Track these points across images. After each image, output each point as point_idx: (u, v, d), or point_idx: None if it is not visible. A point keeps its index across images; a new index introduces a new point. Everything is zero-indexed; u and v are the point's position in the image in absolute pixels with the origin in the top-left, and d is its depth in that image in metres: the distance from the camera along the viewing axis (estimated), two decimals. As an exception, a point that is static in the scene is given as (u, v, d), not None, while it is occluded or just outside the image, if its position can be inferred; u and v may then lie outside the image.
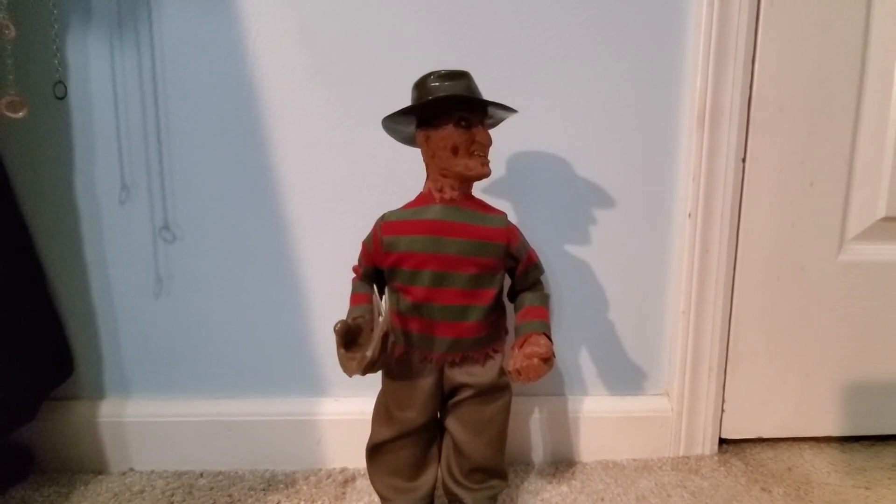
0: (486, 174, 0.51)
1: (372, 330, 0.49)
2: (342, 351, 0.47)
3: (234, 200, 0.65)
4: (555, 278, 0.67)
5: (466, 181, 0.52)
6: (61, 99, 0.61)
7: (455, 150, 0.49)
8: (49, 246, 0.65)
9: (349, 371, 0.47)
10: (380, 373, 0.55)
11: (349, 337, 0.48)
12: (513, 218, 0.53)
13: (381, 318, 0.46)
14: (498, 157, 0.64)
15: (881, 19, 0.65)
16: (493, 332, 0.54)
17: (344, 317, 0.50)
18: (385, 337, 0.46)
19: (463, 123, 0.49)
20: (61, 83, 0.60)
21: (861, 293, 0.69)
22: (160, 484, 0.64)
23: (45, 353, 0.64)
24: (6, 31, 0.53)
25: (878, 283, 0.69)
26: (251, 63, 0.63)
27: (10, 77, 0.55)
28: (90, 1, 0.61)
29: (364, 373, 0.47)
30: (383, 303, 0.48)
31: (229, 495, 0.62)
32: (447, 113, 0.49)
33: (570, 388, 0.71)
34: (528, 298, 0.54)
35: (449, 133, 0.49)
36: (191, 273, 0.66)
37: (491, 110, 0.52)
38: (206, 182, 0.65)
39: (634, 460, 0.70)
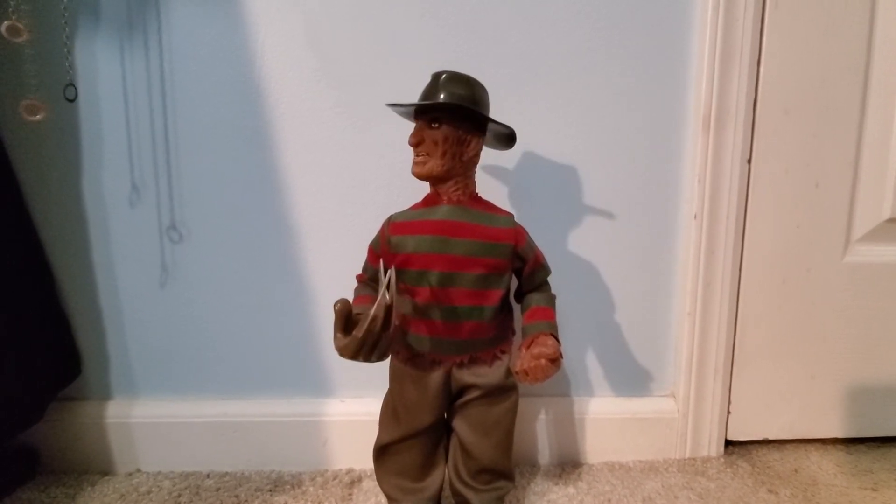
0: (413, 173, 0.51)
1: (373, 317, 0.47)
2: (339, 335, 0.46)
3: (241, 202, 0.65)
4: (561, 279, 0.67)
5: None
6: (72, 101, 0.61)
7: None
8: (57, 246, 0.65)
9: (342, 352, 0.46)
10: (387, 374, 0.56)
11: (348, 319, 0.46)
12: (519, 219, 0.53)
13: (379, 298, 0.44)
14: (504, 159, 0.64)
15: (885, 21, 0.65)
16: (500, 333, 0.55)
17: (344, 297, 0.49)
18: (374, 319, 0.44)
19: (418, 122, 0.51)
20: (72, 86, 0.60)
21: (867, 294, 0.69)
22: (167, 485, 0.64)
23: (52, 353, 0.64)
24: (19, 34, 0.53)
25: (884, 285, 0.69)
26: (258, 66, 0.63)
27: (32, 81, 0.56)
28: (100, 5, 0.61)
29: (355, 355, 0.45)
30: (390, 274, 0.46)
31: (236, 496, 0.62)
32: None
33: (576, 389, 0.71)
34: (534, 299, 0.55)
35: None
36: (198, 275, 0.67)
37: (490, 124, 0.52)
38: (214, 184, 0.65)
39: (640, 462, 0.69)
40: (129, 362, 0.68)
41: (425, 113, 0.50)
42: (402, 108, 0.52)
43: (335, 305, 0.45)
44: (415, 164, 0.51)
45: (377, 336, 0.45)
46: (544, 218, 0.67)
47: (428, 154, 0.50)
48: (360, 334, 0.44)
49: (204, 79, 0.63)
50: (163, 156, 0.64)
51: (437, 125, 0.49)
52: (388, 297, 0.45)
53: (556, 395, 0.70)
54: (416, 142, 0.50)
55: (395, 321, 0.46)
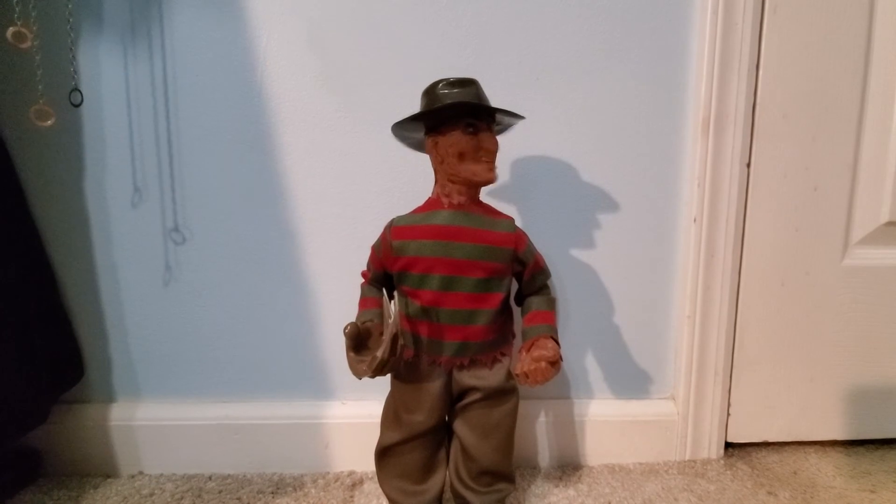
0: (493, 180, 0.51)
1: (381, 333, 0.50)
2: (351, 354, 0.48)
3: (243, 205, 0.66)
4: (561, 283, 0.68)
5: (474, 186, 0.52)
6: (77, 106, 0.61)
7: (462, 156, 0.50)
8: (59, 249, 0.66)
9: (359, 373, 0.48)
10: (388, 376, 0.56)
11: (358, 340, 0.49)
12: (519, 223, 0.54)
13: (390, 320, 0.47)
14: (504, 162, 0.65)
15: (884, 26, 0.65)
16: (500, 336, 0.55)
17: (352, 320, 0.51)
18: (395, 339, 0.46)
19: (470, 130, 0.50)
20: (77, 90, 0.61)
21: (865, 297, 0.70)
22: (169, 487, 0.65)
23: (55, 356, 0.64)
24: (24, 40, 0.54)
25: (883, 287, 0.70)
26: (261, 70, 0.64)
27: (40, 87, 0.56)
28: (103, 9, 0.62)
29: (374, 375, 0.47)
30: (393, 305, 0.48)
31: (238, 499, 0.62)
32: (455, 119, 0.50)
33: (576, 391, 0.71)
34: (535, 302, 0.55)
35: (457, 139, 0.50)
36: (200, 279, 0.67)
37: (499, 117, 0.52)
38: (217, 187, 0.65)
39: (641, 464, 0.70)
40: (131, 365, 0.69)
41: (480, 119, 0.50)
42: (457, 109, 0.49)
43: (344, 330, 0.48)
44: (489, 170, 0.51)
45: (386, 362, 0.47)
46: (544, 221, 0.67)
47: (493, 160, 0.51)
48: (371, 371, 0.47)
49: (207, 83, 0.64)
50: (166, 159, 0.65)
51: (491, 131, 0.51)
52: (393, 328, 0.46)
53: (557, 397, 0.70)
54: (497, 147, 0.52)
55: (400, 346, 0.48)
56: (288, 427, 0.67)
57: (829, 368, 0.71)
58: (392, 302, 0.49)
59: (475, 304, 0.52)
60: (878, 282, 0.70)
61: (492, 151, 0.51)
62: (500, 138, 0.53)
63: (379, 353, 0.46)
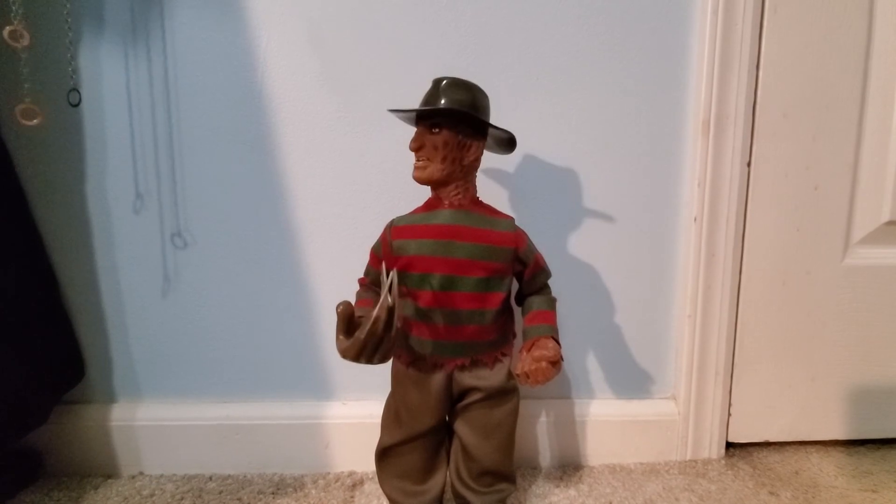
0: (416, 178, 0.52)
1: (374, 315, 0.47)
2: (340, 336, 0.46)
3: (243, 205, 0.66)
4: (562, 282, 0.67)
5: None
6: (76, 106, 0.61)
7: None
8: (61, 250, 0.66)
9: (345, 354, 0.46)
10: (389, 377, 0.56)
11: (350, 324, 0.46)
12: (520, 223, 0.53)
13: (382, 300, 0.45)
14: (505, 163, 0.65)
15: (883, 25, 0.65)
16: (501, 336, 0.55)
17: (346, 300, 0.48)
18: (377, 321, 0.44)
19: (421, 129, 0.51)
20: (76, 90, 0.61)
21: (866, 296, 0.70)
22: (170, 488, 0.65)
23: (56, 356, 0.64)
24: (20, 39, 0.54)
25: (884, 287, 0.70)
26: (261, 71, 0.64)
27: (27, 85, 0.56)
28: (103, 10, 0.62)
29: (357, 357, 0.45)
30: (391, 277, 0.46)
31: (238, 499, 0.62)
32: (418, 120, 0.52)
33: (577, 391, 0.71)
34: (535, 302, 0.55)
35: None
36: (200, 279, 0.67)
37: (491, 129, 0.52)
38: (217, 188, 0.65)
39: (641, 464, 0.70)
40: (132, 366, 0.69)
41: (426, 118, 0.50)
42: (403, 114, 0.53)
43: (337, 308, 0.45)
44: (416, 168, 0.51)
45: (379, 338, 0.45)
46: (545, 221, 0.67)
47: (428, 159, 0.50)
48: (362, 336, 0.45)
49: (207, 84, 0.64)
50: (166, 160, 0.65)
51: (437, 130, 0.50)
52: (389, 299, 0.45)
53: (557, 397, 0.70)
54: (417, 146, 0.51)
55: (397, 323, 0.47)
56: (288, 427, 0.67)
57: (831, 368, 0.71)
58: (390, 273, 0.47)
59: (476, 303, 0.52)
60: (879, 281, 0.70)
61: (414, 150, 0.51)
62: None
63: (374, 312, 0.44)
